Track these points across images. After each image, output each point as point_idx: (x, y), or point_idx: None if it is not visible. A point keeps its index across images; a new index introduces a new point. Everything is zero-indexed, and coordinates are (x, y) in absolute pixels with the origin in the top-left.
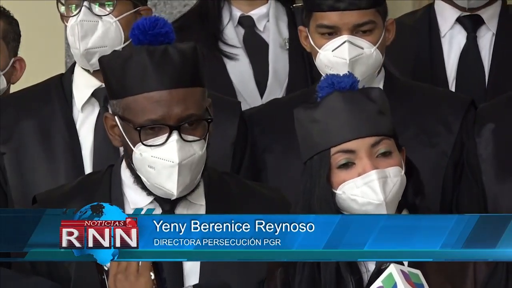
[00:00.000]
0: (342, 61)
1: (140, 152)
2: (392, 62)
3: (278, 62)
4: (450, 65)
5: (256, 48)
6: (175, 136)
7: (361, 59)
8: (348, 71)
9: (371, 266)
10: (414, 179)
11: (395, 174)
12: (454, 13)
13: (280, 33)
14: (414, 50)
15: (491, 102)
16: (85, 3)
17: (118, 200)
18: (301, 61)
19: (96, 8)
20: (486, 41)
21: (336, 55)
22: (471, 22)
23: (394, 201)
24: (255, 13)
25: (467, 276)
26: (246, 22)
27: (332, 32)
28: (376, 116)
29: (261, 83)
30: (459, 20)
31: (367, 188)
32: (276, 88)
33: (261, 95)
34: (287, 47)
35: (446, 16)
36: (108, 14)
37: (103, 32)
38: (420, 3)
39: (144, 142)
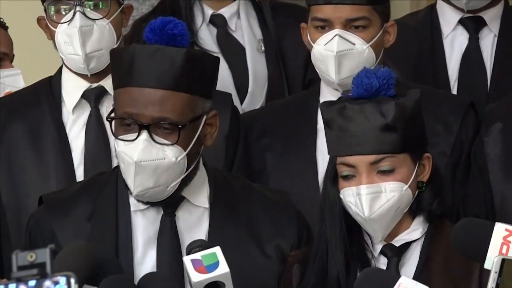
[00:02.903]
0: (330, 53)
1: (117, 146)
2: (394, 63)
3: (257, 66)
4: (452, 66)
5: (232, 50)
6: (144, 135)
7: (350, 54)
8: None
9: (379, 247)
10: (435, 184)
11: (391, 189)
12: (456, 15)
13: (254, 35)
14: (416, 51)
15: (499, 102)
16: (78, 8)
17: (124, 201)
18: (277, 63)
19: (89, 12)
20: (488, 42)
21: (326, 48)
22: (473, 24)
23: (384, 217)
24: (226, 11)
25: (473, 280)
26: (218, 21)
27: (325, 25)
28: (382, 133)
29: (241, 88)
30: (461, 22)
31: (358, 200)
32: (258, 93)
33: (241, 100)
34: (263, 49)
35: (448, 18)
36: (102, 18)
37: (98, 35)
38: (418, 4)
39: (118, 137)
